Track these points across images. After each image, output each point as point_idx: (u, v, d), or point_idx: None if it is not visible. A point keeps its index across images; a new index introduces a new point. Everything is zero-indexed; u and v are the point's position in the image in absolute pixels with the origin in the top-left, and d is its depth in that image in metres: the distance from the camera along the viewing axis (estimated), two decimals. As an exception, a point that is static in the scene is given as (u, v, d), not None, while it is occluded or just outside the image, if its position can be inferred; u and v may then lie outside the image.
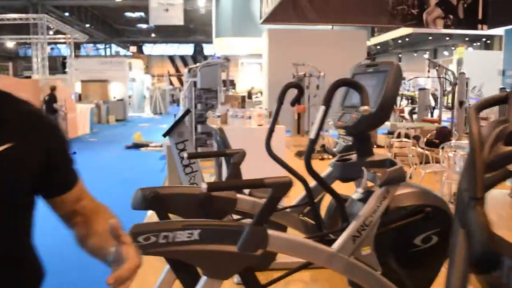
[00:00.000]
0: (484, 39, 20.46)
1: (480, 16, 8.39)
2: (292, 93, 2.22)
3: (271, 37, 12.29)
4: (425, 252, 1.85)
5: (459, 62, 16.33)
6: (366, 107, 1.50)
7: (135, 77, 19.46)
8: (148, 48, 33.07)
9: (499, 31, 12.64)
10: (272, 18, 8.35)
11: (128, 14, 25.94)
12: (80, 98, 15.15)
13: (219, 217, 1.97)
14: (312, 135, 1.54)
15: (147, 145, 9.50)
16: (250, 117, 3.66)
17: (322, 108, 1.53)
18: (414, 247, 1.84)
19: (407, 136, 5.29)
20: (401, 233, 1.81)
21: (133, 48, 30.40)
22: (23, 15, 12.13)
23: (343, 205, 1.77)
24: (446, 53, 23.45)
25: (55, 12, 20.15)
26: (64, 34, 13.58)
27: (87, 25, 24.43)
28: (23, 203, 0.94)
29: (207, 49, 29.73)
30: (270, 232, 1.55)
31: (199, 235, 1.44)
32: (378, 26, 9.58)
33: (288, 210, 2.19)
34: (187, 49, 33.10)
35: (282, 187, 1.48)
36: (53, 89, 10.28)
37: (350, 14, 8.31)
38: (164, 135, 3.52)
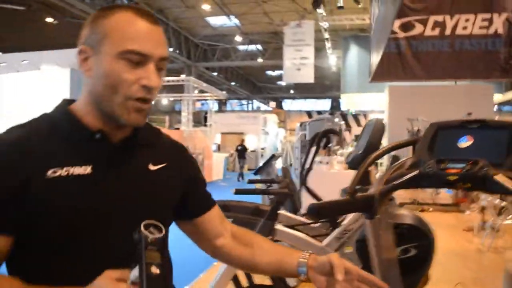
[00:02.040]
0: None
1: None
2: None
3: (391, 93, 12.76)
4: (405, 261, 2.41)
5: None
6: (337, 146, 2.23)
7: (269, 130, 21.18)
8: (287, 104, 35.21)
9: None
10: (380, 76, 8.98)
11: (269, 72, 28.29)
12: (219, 148, 17.16)
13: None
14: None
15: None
16: (327, 163, 4.44)
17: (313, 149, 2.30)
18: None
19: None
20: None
21: (273, 104, 32.72)
22: (175, 78, 14.51)
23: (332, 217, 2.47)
24: None
25: (205, 72, 23.07)
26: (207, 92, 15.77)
27: (232, 83, 27.25)
28: (168, 221, 1.05)
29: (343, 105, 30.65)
30: (277, 226, 2.33)
31: (232, 222, 2.29)
32: (488, 81, 9.51)
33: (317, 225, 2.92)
34: (325, 104, 34.47)
35: (282, 196, 2.27)
36: (243, 140, 13.28)
37: (459, 70, 8.56)
38: (255, 173, 4.46)
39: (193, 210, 1.11)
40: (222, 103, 28.69)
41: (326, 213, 1.83)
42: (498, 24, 8.38)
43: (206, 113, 18.37)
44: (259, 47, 22.55)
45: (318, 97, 33.68)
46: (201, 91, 15.06)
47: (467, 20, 8.52)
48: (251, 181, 3.49)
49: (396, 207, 2.95)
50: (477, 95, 11.69)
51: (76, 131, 0.94)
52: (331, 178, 4.48)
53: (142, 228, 0.77)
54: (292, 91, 32.52)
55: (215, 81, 24.27)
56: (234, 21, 18.22)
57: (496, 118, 15.98)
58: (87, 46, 0.93)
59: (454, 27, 8.55)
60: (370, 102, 16.82)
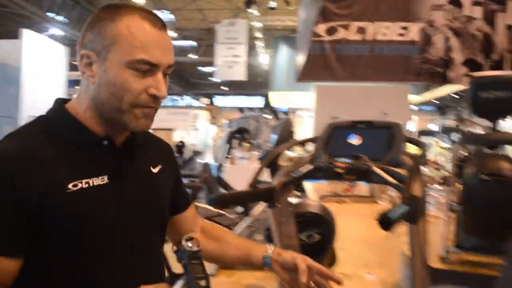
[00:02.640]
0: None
1: (507, 73, 8.83)
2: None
3: (319, 93, 13.28)
4: (309, 245, 2.68)
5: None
6: (246, 144, 2.45)
7: (200, 127, 21.21)
8: (219, 100, 35.28)
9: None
10: (305, 76, 9.39)
11: (202, 68, 28.24)
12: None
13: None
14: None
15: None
16: (248, 158, 4.69)
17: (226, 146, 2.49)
18: (301, 241, 2.67)
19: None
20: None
21: (206, 100, 32.69)
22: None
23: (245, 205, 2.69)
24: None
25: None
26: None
27: (165, 79, 26.88)
28: (166, 221, 1.07)
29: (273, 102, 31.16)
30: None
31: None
32: (405, 84, 10.24)
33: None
34: (257, 101, 34.85)
35: (195, 189, 2.44)
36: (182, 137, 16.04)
37: (378, 73, 9.15)
38: (179, 169, 4.61)
39: (174, 208, 1.13)
40: (154, 99, 28.24)
41: (227, 203, 2.03)
42: (414, 32, 9.03)
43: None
44: (193, 43, 22.50)
45: (251, 94, 34.09)
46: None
47: (386, 28, 9.11)
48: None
49: (304, 198, 3.24)
50: (394, 96, 12.44)
51: (84, 138, 0.92)
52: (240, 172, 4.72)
53: (183, 242, 0.81)
54: (224, 88, 32.67)
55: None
56: (168, 16, 18.07)
57: (414, 117, 17.10)
58: (91, 51, 0.90)
59: (375, 33, 9.10)
60: (298, 100, 17.33)
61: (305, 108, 21.28)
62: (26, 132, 0.90)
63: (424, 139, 14.61)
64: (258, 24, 16.18)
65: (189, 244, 0.82)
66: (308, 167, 2.02)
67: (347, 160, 1.97)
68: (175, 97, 32.68)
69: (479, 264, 2.97)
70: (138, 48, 0.87)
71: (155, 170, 1.03)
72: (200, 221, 1.23)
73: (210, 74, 29.27)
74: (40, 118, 0.94)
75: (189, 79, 31.68)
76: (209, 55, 20.14)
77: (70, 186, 0.86)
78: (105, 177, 0.91)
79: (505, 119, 3.37)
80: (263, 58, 20.83)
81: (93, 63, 0.90)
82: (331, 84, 13.17)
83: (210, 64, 25.02)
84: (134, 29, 0.88)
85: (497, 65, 8.88)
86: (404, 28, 9.05)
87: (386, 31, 9.08)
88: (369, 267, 3.94)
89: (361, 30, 9.01)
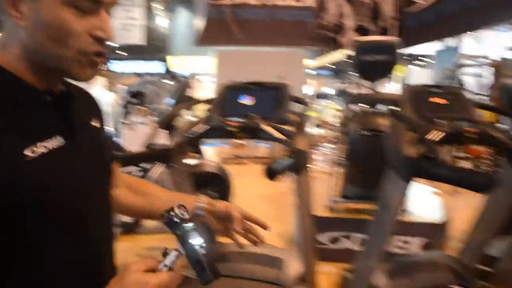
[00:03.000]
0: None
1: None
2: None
3: (220, 57, 13.31)
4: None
5: (403, 80, 17.64)
6: (143, 109, 2.48)
7: (96, 93, 20.30)
8: (116, 65, 33.72)
9: (430, 51, 14.14)
10: (205, 41, 9.37)
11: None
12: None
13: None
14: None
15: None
16: (143, 123, 4.72)
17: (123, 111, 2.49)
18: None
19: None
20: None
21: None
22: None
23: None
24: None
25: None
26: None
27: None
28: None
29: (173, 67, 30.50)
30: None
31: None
32: (298, 47, 10.67)
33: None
34: (157, 66, 33.80)
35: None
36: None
37: (276, 37, 9.40)
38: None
39: None
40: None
41: (123, 164, 2.07)
42: (310, -2, 9.36)
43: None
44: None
45: (150, 59, 33.00)
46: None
47: (284, -7, 9.34)
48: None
49: (202, 159, 3.35)
50: (291, 60, 12.89)
51: (22, 93, 0.77)
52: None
53: (176, 210, 0.76)
54: (121, 52, 31.28)
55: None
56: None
57: (313, 81, 17.88)
58: None
59: (273, -2, 9.30)
60: (199, 65, 17.25)
61: (206, 73, 21.27)
62: None
63: (320, 102, 15.34)
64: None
65: (182, 212, 0.77)
66: (203, 127, 2.10)
67: (239, 120, 2.08)
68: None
69: (360, 211, 3.31)
70: None
71: (95, 124, 0.92)
72: (126, 177, 1.13)
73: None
74: None
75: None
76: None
77: (28, 153, 0.72)
78: (59, 137, 0.78)
79: (387, 80, 3.71)
80: (162, 22, 20.24)
81: (21, 1, 0.74)
82: (231, 49, 13.28)
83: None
84: None
85: (384, 32, 9.52)
86: (301, -6, 9.33)
87: (284, -4, 9.31)
88: (265, 221, 4.18)
89: (260, -5, 9.14)
